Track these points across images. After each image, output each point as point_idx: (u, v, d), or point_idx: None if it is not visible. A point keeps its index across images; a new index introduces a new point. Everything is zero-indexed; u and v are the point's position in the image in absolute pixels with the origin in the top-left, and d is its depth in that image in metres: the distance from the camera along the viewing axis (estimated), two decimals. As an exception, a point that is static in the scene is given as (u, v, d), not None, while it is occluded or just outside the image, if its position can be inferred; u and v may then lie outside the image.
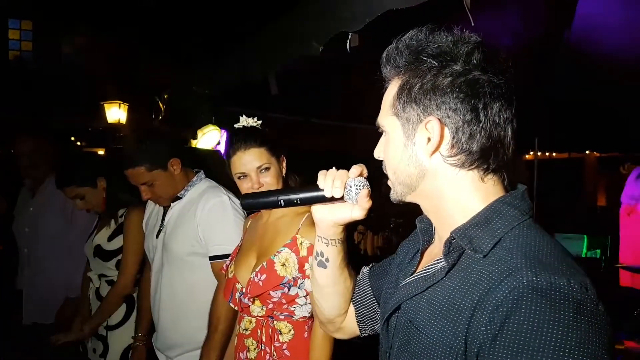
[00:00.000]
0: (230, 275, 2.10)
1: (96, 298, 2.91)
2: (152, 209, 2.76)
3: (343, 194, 1.14)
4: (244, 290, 1.99)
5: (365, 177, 1.16)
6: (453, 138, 0.97)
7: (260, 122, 2.12)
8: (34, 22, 9.74)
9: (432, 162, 1.00)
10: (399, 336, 1.04)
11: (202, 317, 2.39)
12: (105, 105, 8.84)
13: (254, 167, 1.99)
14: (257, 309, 1.99)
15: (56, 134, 4.02)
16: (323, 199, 1.16)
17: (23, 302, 3.51)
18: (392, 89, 1.05)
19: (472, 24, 1.87)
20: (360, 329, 1.38)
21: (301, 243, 1.93)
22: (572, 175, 13.26)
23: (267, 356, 1.96)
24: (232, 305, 2.08)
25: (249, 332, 2.02)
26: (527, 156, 14.00)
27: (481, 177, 1.00)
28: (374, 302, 1.35)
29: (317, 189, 1.16)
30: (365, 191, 1.14)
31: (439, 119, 0.97)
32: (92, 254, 2.90)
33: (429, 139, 0.99)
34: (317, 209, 1.22)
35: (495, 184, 1.02)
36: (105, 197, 2.94)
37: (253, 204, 1.26)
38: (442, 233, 1.07)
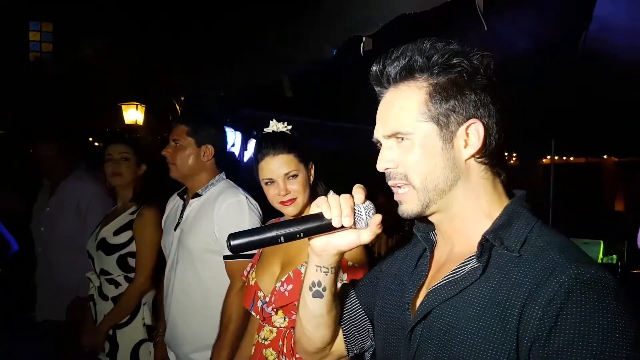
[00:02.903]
0: (252, 283, 2.06)
1: (100, 297, 2.91)
2: (172, 207, 2.79)
3: (354, 221, 1.07)
4: (267, 300, 1.94)
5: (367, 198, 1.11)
6: (487, 140, 1.02)
7: (290, 127, 2.08)
8: (54, 24, 9.90)
9: (466, 165, 1.04)
10: (433, 342, 1.02)
11: (212, 316, 2.40)
12: (123, 106, 8.96)
13: (282, 173, 1.94)
14: (279, 319, 1.93)
15: (75, 135, 4.08)
16: (329, 229, 1.08)
17: (36, 299, 3.58)
18: (414, 95, 1.04)
19: (485, 28, 1.86)
20: (348, 350, 1.32)
21: None
22: (589, 179, 13.09)
23: None
24: (253, 313, 2.04)
25: (269, 342, 1.96)
26: (544, 160, 13.87)
27: (496, 178, 1.07)
28: (365, 320, 1.31)
29: (321, 218, 1.07)
30: (379, 217, 1.08)
31: (482, 122, 1.01)
32: (95, 247, 2.91)
33: (465, 142, 1.02)
34: (317, 240, 1.13)
35: (502, 184, 1.08)
36: (138, 184, 3.00)
37: (243, 246, 1.07)
38: (455, 238, 1.09)
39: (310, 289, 1.21)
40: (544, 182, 13.18)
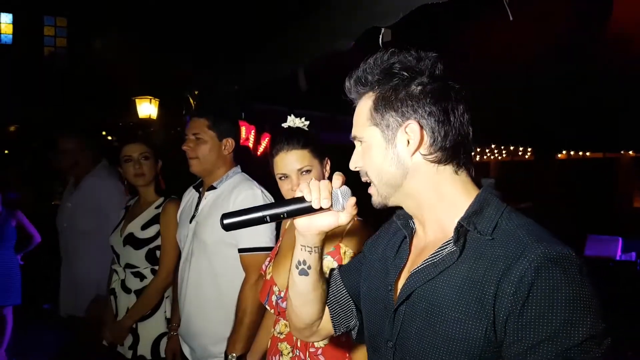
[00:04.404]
0: (268, 277, 2.07)
1: (122, 290, 2.91)
2: (187, 200, 2.78)
3: (331, 203, 1.20)
4: (282, 295, 1.95)
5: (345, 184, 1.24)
6: (430, 138, 1.12)
7: (307, 122, 2.06)
8: (69, 19, 9.97)
9: (413, 161, 1.14)
10: (417, 320, 1.12)
11: (226, 308, 2.40)
12: (137, 100, 8.97)
13: (295, 168, 1.94)
14: None
15: (91, 129, 4.08)
16: (310, 210, 1.21)
17: (60, 294, 3.60)
18: (365, 104, 1.18)
19: (511, 19, 1.81)
20: (335, 328, 1.43)
21: (345, 252, 1.85)
22: (606, 175, 12.93)
23: None
24: (267, 307, 2.04)
25: (284, 335, 1.98)
26: (559, 155, 13.72)
27: (455, 170, 1.15)
28: (349, 301, 1.43)
29: (302, 201, 1.20)
30: (353, 200, 1.22)
31: (418, 122, 1.11)
32: (122, 242, 2.91)
33: (408, 141, 1.12)
34: (301, 220, 1.27)
35: (467, 176, 1.17)
36: (157, 180, 3.02)
37: (234, 224, 1.19)
38: (428, 225, 1.20)
39: (297, 267, 1.34)
40: (560, 178, 13.06)
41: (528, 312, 0.95)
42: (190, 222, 2.61)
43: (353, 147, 1.25)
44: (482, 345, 1.01)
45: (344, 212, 1.23)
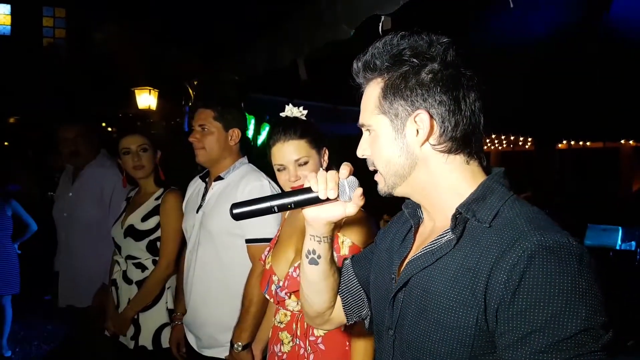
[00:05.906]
0: (267, 267, 2.08)
1: (124, 281, 2.91)
2: (193, 190, 2.79)
3: (338, 194, 1.20)
4: (280, 284, 1.94)
5: (353, 175, 1.23)
6: (440, 127, 1.09)
7: (305, 112, 2.04)
8: (67, 9, 9.95)
9: (422, 151, 1.11)
10: (412, 307, 1.12)
11: (232, 299, 2.41)
12: (136, 91, 8.94)
13: (292, 159, 1.94)
14: (292, 303, 1.94)
15: (88, 119, 4.07)
16: (317, 201, 1.21)
17: (59, 285, 3.58)
18: (374, 90, 1.15)
19: (512, 6, 1.80)
20: (347, 318, 1.44)
21: (342, 242, 1.85)
22: (606, 165, 12.94)
23: (301, 350, 1.90)
24: (267, 296, 2.06)
25: (284, 325, 1.99)
26: (559, 145, 13.71)
27: (466, 160, 1.13)
28: (360, 290, 1.43)
29: (310, 191, 1.21)
30: (360, 190, 1.21)
31: (427, 111, 1.08)
32: (123, 234, 2.91)
33: (417, 131, 1.10)
34: (309, 210, 1.27)
35: (478, 165, 1.15)
36: (157, 171, 3.01)
37: (243, 214, 1.21)
38: (434, 214, 1.18)
39: (307, 256, 1.34)
40: (561, 168, 13.07)
41: (519, 301, 0.92)
42: (197, 212, 2.62)
43: (354, 138, 1.23)
44: (474, 334, 1.00)
45: (351, 203, 1.22)
